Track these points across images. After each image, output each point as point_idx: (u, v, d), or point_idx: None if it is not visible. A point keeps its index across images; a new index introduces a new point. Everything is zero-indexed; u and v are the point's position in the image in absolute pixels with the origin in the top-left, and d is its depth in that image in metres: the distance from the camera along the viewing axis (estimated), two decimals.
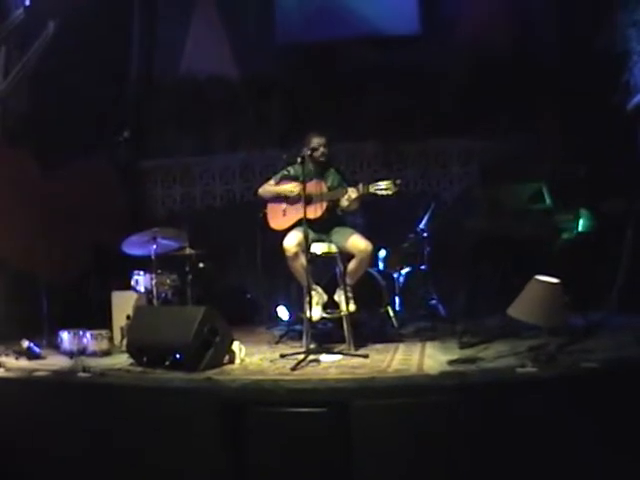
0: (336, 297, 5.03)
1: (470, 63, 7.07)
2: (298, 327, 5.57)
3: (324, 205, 4.96)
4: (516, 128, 6.69)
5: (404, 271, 6.34)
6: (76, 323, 5.32)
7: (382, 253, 6.32)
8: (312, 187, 4.96)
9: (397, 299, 6.19)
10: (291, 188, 5.07)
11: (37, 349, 5.00)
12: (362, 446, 3.53)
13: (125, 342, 4.93)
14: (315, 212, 4.93)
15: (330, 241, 5.01)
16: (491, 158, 7.01)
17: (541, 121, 6.60)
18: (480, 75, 6.96)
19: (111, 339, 5.25)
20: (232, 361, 4.50)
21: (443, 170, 7.38)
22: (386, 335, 5.42)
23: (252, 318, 6.78)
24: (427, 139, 7.25)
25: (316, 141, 5.06)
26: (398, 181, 4.72)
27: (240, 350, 4.57)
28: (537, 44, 6.78)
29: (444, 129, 7.03)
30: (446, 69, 7.14)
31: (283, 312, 6.57)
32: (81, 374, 4.20)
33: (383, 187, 4.69)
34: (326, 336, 5.17)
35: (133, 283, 5.76)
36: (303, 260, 4.79)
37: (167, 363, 4.24)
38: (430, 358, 4.35)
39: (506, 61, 6.92)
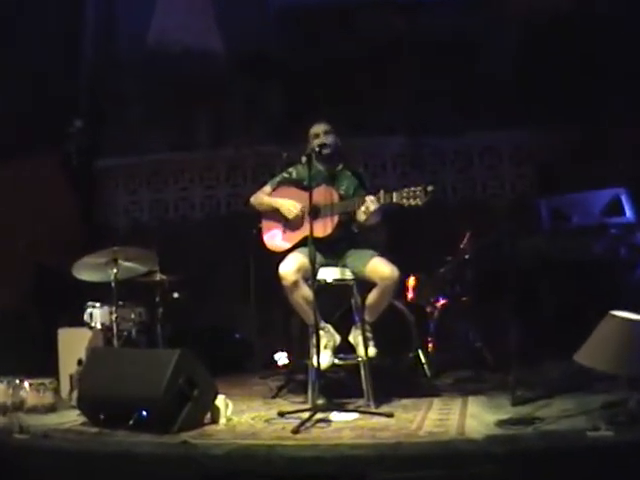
0: (351, 338, 5.06)
1: (523, 32, 7.12)
2: (301, 377, 5.59)
3: (335, 219, 5.00)
4: (584, 117, 6.72)
5: (440, 304, 6.36)
6: (11, 369, 5.34)
7: (411, 281, 6.35)
8: (320, 195, 5.01)
9: (430, 340, 6.20)
10: (290, 206, 5.13)
11: None
12: None
13: (75, 395, 4.95)
14: (324, 229, 4.96)
15: (344, 265, 5.04)
16: (552, 156, 7.05)
17: (617, 109, 6.63)
18: (536, 48, 7.00)
19: (57, 390, 5.27)
20: (215, 420, 4.52)
21: (490, 172, 7.43)
22: (416, 387, 5.44)
23: (242, 365, 6.81)
24: (468, 131, 7.29)
25: (315, 129, 5.15)
26: (430, 187, 4.74)
27: (226, 406, 4.59)
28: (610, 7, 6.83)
29: (490, 118, 7.08)
30: (492, 40, 7.20)
31: (282, 357, 6.59)
32: (17, 436, 4.21)
33: (411, 195, 4.73)
34: (338, 389, 5.18)
35: (86, 317, 5.79)
36: (305, 291, 4.83)
37: (131, 422, 4.26)
38: (474, 418, 4.36)
39: (569, 30, 6.96)
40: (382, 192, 4.84)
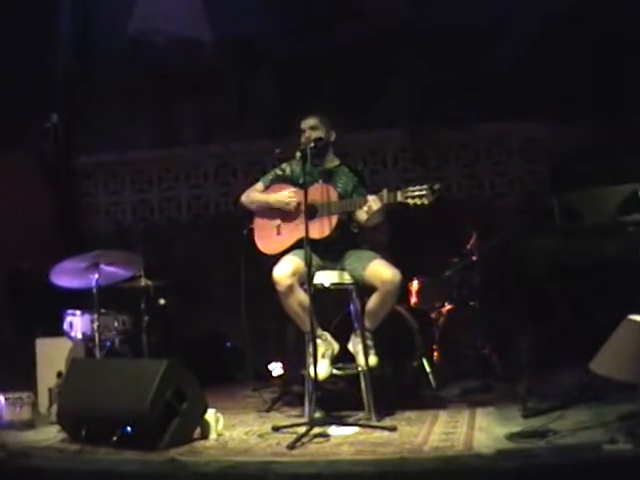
0: (350, 346, 5.07)
1: (535, 18, 7.13)
2: (297, 388, 5.60)
3: (333, 219, 5.00)
4: (599, 108, 6.74)
5: (445, 309, 6.37)
6: None
7: (415, 285, 6.36)
8: (317, 194, 5.02)
9: (436, 348, 6.22)
10: (285, 198, 5.13)
11: None
12: None
13: (55, 409, 4.95)
14: (322, 229, 4.98)
15: (342, 269, 5.05)
16: (565, 150, 7.06)
17: (632, 103, 6.65)
18: (548, 36, 7.01)
19: (35, 405, 5.27)
20: (205, 436, 4.52)
21: (498, 168, 7.44)
22: (421, 399, 5.46)
23: (233, 376, 6.82)
24: (475, 124, 7.31)
25: (302, 124, 5.16)
26: (437, 186, 4.74)
27: (217, 421, 4.59)
28: None
29: (498, 110, 7.09)
30: (502, 28, 7.22)
31: (276, 367, 6.60)
32: None
33: (416, 194, 4.73)
34: (337, 401, 5.20)
35: (66, 327, 5.80)
36: (301, 296, 4.83)
37: (115, 439, 4.26)
38: (482, 431, 4.37)
39: (586, 15, 6.97)
40: (385, 191, 4.83)
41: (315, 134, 5.11)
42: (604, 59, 6.78)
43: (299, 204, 5.02)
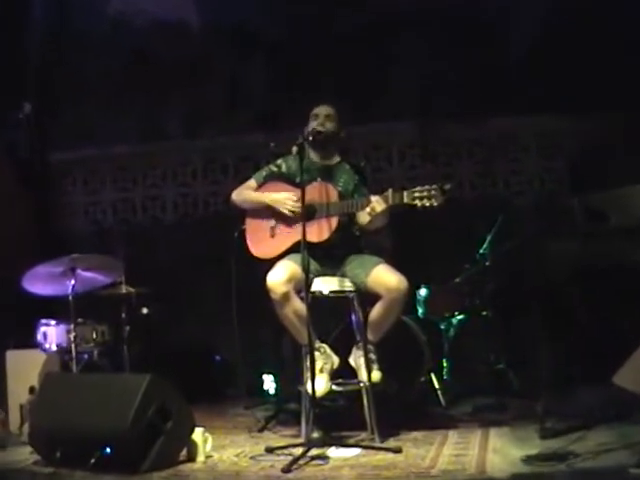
0: (352, 360, 5.07)
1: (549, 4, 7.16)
2: (293, 406, 5.60)
3: (333, 222, 5.00)
4: (622, 102, 6.74)
5: (456, 319, 6.38)
6: None
7: (422, 292, 6.36)
8: (315, 193, 5.02)
9: (445, 362, 6.22)
10: (284, 199, 5.11)
11: None
12: None
13: (27, 428, 4.95)
14: (320, 232, 4.97)
15: (343, 275, 5.05)
16: (586, 146, 7.07)
17: None
18: (564, 24, 7.02)
19: (5, 424, 5.28)
20: (192, 458, 4.52)
21: (514, 165, 7.44)
22: (429, 418, 5.46)
23: (223, 392, 6.81)
24: (488, 118, 7.31)
25: (315, 109, 5.18)
26: (447, 186, 4.74)
27: (205, 441, 4.59)
28: None
29: (513, 102, 7.09)
30: (516, 13, 7.23)
31: (270, 383, 6.59)
32: None
33: (424, 195, 4.72)
34: (337, 419, 5.20)
35: (39, 338, 5.80)
36: (297, 305, 4.83)
37: (93, 461, 4.25)
38: (497, 453, 4.37)
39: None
40: (390, 191, 4.82)
41: (328, 124, 5.12)
42: (617, 51, 6.78)
43: (296, 210, 5.02)
